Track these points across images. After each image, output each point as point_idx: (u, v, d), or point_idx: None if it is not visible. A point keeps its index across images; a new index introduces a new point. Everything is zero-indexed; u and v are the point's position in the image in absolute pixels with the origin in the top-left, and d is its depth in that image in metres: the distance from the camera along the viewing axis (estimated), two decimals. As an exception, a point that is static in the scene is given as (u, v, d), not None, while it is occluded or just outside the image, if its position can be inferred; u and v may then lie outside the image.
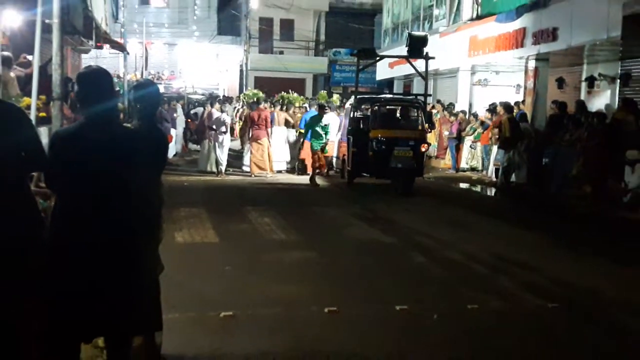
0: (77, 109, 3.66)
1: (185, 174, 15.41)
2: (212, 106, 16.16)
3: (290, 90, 21.05)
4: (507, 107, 14.81)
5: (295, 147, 16.56)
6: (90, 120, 3.35)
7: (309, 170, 15.71)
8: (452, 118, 17.95)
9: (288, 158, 16.67)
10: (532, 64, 15.37)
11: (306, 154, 15.66)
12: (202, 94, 31.28)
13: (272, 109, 17.49)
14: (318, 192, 13.72)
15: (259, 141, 15.36)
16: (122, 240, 3.31)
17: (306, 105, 19.20)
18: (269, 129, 15.48)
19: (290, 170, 16.45)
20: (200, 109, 19.50)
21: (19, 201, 3.38)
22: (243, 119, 19.25)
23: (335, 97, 20.09)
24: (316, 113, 16.05)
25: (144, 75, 32.74)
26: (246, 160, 16.08)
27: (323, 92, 22.25)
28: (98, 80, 3.41)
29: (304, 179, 15.33)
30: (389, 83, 27.50)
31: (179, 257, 6.72)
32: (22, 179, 3.56)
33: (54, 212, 3.41)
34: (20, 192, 3.43)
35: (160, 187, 4.10)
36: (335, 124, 16.23)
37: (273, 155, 16.11)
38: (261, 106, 16.20)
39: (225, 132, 15.29)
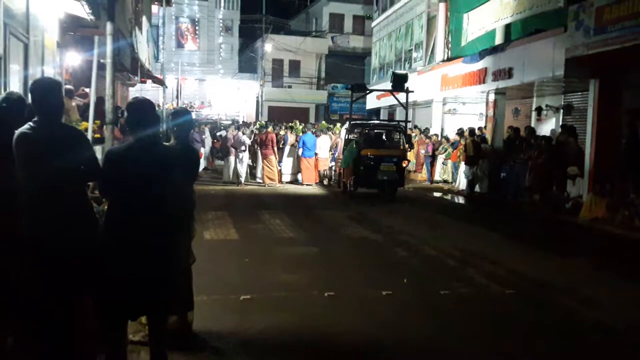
0: (126, 132, 3.65)
1: (212, 184, 15.41)
2: (239, 130, 16.24)
3: (296, 121, 21.05)
4: (471, 131, 14.85)
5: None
6: (139, 141, 3.34)
7: (305, 181, 15.76)
8: (427, 140, 17.97)
9: (295, 171, 16.67)
10: (492, 96, 15.41)
11: (304, 167, 15.77)
12: (226, 120, 31.28)
13: (286, 131, 17.53)
14: (319, 198, 13.73)
15: (267, 158, 15.45)
16: (163, 237, 3.31)
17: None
18: (275, 148, 15.55)
19: (293, 181, 16.46)
20: (224, 132, 19.47)
21: (80, 206, 3.39)
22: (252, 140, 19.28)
23: (338, 125, 20.08)
24: (312, 135, 16.18)
25: (179, 104, 32.78)
26: (259, 173, 16.11)
27: (324, 123, 22.21)
28: (145, 109, 3.42)
29: (308, 188, 15.35)
30: (376, 111, 27.54)
31: (207, 250, 6.72)
32: (82, 187, 3.57)
33: (107, 214, 3.40)
34: (80, 198, 3.44)
35: (193, 194, 4.11)
36: (327, 144, 16.36)
37: (283, 169, 16.16)
38: (268, 129, 16.25)
39: (244, 151, 15.31)
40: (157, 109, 3.72)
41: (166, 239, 3.31)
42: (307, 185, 15.81)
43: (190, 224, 4.07)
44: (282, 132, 17.42)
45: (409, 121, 16.57)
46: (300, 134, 18.11)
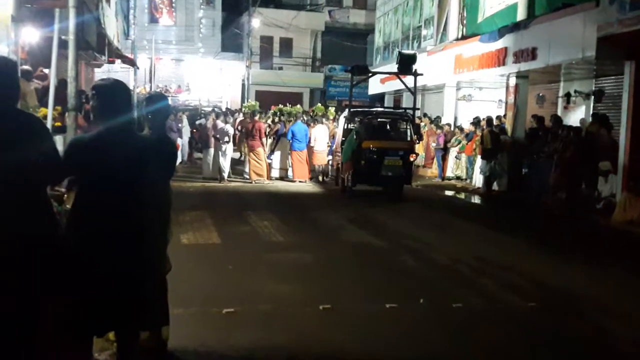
0: (91, 120, 3.61)
1: (190, 180, 15.39)
2: (217, 118, 16.18)
3: (288, 104, 21.05)
4: (489, 120, 14.88)
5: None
6: (108, 130, 3.32)
7: (296, 177, 15.77)
8: (439, 130, 18.00)
9: (285, 165, 16.67)
10: (513, 80, 15.44)
11: (295, 161, 15.77)
12: (208, 106, 31.26)
13: (282, 120, 17.53)
14: (314, 197, 13.73)
15: (254, 151, 15.41)
16: (134, 242, 3.30)
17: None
18: (263, 139, 15.50)
19: (283, 177, 16.47)
20: (203, 120, 19.47)
21: (36, 204, 3.37)
22: (239, 128, 19.25)
23: (332, 109, 20.06)
24: (302, 124, 16.14)
25: (153, 89, 32.70)
26: (246, 167, 16.10)
27: (320, 105, 22.23)
28: (116, 92, 3.39)
29: (301, 186, 15.36)
30: (380, 97, 27.58)
31: (184, 257, 6.72)
32: (40, 184, 3.54)
33: (70, 215, 3.39)
34: (37, 195, 3.41)
35: (170, 191, 4.10)
36: (324, 134, 16.33)
37: (272, 163, 16.16)
38: (256, 118, 16.22)
39: (228, 142, 15.30)
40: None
41: (138, 243, 3.31)
42: (299, 182, 15.83)
43: (165, 227, 4.06)
44: (277, 122, 17.40)
45: (418, 108, 16.62)
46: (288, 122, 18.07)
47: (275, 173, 16.46)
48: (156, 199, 3.57)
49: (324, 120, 17.61)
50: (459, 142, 16.96)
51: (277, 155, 16.60)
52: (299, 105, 21.37)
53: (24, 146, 3.26)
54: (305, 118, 17.70)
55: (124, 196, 3.27)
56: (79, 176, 3.32)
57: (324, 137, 16.31)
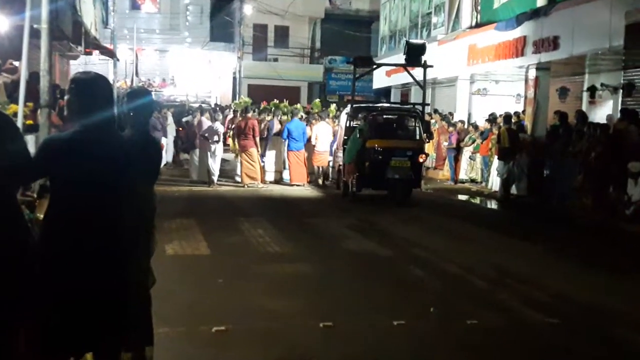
0: (66, 117, 3.60)
1: (176, 184, 15.40)
2: (202, 115, 16.18)
3: (285, 99, 21.05)
4: (506, 117, 14.89)
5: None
6: (86, 129, 3.29)
7: (293, 180, 15.78)
8: (451, 128, 18.02)
9: (282, 168, 16.67)
10: (532, 73, 15.45)
11: (292, 163, 15.80)
12: (196, 102, 31.29)
13: (272, 117, 17.50)
14: (313, 202, 13.74)
15: (247, 151, 15.40)
16: (115, 253, 3.29)
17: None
18: (257, 138, 15.49)
19: (278, 180, 16.48)
20: (190, 117, 19.49)
21: (5, 211, 3.36)
22: (231, 127, 19.27)
23: (333, 106, 20.09)
24: (299, 122, 16.14)
25: (135, 83, 32.73)
26: (238, 170, 16.11)
27: (317, 101, 22.25)
28: (96, 86, 3.38)
29: (299, 190, 15.36)
30: (386, 92, 27.59)
31: (170, 269, 6.71)
32: (8, 188, 3.53)
33: (44, 224, 3.38)
34: (6, 201, 3.40)
35: (154, 197, 4.11)
36: (327, 133, 16.31)
37: (266, 165, 16.16)
38: (249, 115, 16.22)
39: (217, 142, 15.31)
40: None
41: (119, 256, 3.31)
42: (296, 185, 15.84)
43: (149, 236, 4.06)
44: (268, 118, 17.37)
45: (428, 104, 16.62)
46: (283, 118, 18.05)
47: (270, 176, 16.47)
48: (139, 206, 3.57)
49: (326, 117, 17.50)
50: (473, 141, 16.98)
51: (271, 155, 16.59)
52: (299, 105, 21.27)
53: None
54: (303, 115, 17.68)
55: (102, 203, 3.26)
56: (52, 181, 3.31)
57: (326, 136, 16.29)
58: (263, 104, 20.62)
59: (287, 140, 15.92)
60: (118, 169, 3.31)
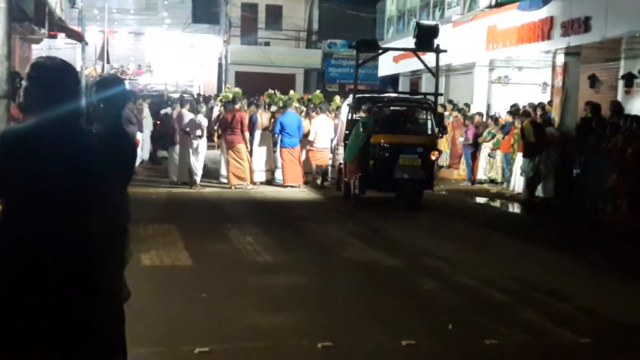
0: (28, 109, 3.58)
1: (154, 185, 15.39)
2: (182, 107, 16.19)
3: (275, 91, 21.02)
4: (529, 109, 14.89)
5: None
6: (47, 122, 3.24)
7: (287, 181, 15.78)
8: (467, 121, 18.03)
9: (272, 166, 16.65)
10: (560, 58, 15.46)
11: (287, 161, 15.85)
12: (176, 92, 31.32)
13: (255, 109, 17.51)
14: (309, 206, 13.74)
15: (234, 148, 15.39)
16: (82, 266, 3.28)
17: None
18: (246, 133, 15.49)
19: (270, 181, 16.49)
20: (169, 110, 19.50)
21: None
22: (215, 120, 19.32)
23: (337, 99, 20.10)
24: (294, 114, 16.13)
25: (106, 70, 32.71)
26: (223, 169, 16.10)
27: (318, 92, 22.22)
28: (59, 74, 3.35)
29: (293, 192, 15.36)
30: (393, 80, 27.58)
31: (146, 282, 6.72)
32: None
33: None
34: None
35: (127, 200, 4.11)
36: (328, 128, 16.30)
37: (254, 164, 16.16)
38: (236, 106, 16.22)
39: (200, 137, 15.31)
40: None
41: (87, 267, 3.29)
42: (290, 187, 15.86)
43: (122, 245, 4.06)
44: (254, 110, 17.40)
45: (441, 94, 16.61)
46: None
47: (261, 176, 16.47)
48: (109, 212, 3.57)
49: (327, 109, 17.45)
50: (493, 136, 17.00)
51: (260, 152, 16.57)
52: (292, 92, 21.21)
53: None
54: (298, 106, 17.70)
55: (65, 211, 3.20)
56: (4, 184, 3.25)
57: (327, 131, 16.25)
58: (262, 99, 20.56)
59: (279, 135, 15.91)
60: (83, 169, 3.27)
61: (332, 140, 16.21)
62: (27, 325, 3.22)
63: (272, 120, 16.80)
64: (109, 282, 3.63)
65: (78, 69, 26.92)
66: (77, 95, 3.37)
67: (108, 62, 34.26)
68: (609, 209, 12.57)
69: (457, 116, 19.03)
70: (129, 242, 4.18)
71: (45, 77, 3.30)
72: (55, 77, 3.30)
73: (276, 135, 16.09)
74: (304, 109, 18.45)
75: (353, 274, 8.04)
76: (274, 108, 18.26)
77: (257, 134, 16.60)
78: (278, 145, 16.12)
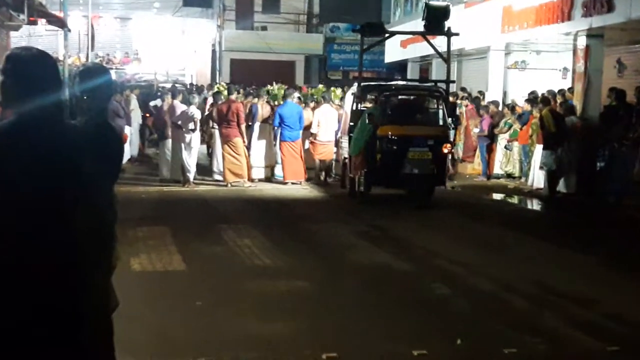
0: (6, 105, 3.57)
1: (143, 183, 15.40)
2: (174, 98, 16.16)
3: (274, 82, 20.97)
4: (549, 97, 14.84)
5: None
6: (27, 118, 3.26)
7: (288, 177, 15.77)
8: (482, 111, 18.01)
9: (273, 162, 16.63)
10: (582, 41, 15.42)
11: (287, 156, 15.84)
12: (167, 81, 31.27)
13: (255, 99, 17.48)
14: (312, 204, 13.74)
15: (230, 142, 15.37)
16: (66, 272, 3.27)
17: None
18: (242, 125, 15.45)
19: (269, 178, 16.48)
20: (159, 101, 19.49)
21: None
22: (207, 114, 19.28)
23: (338, 91, 20.04)
24: (294, 105, 16.09)
25: (91, 58, 32.70)
26: (218, 166, 16.08)
27: (321, 87, 22.12)
28: (38, 66, 3.36)
29: (294, 189, 15.36)
30: (401, 67, 27.57)
31: (136, 288, 6.72)
32: None
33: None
34: None
35: (114, 200, 4.10)
36: (332, 119, 16.25)
37: (252, 159, 16.14)
38: (232, 96, 16.21)
39: (193, 130, 15.30)
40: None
41: (71, 274, 3.29)
42: (292, 184, 15.86)
43: (109, 249, 4.06)
44: (255, 101, 17.35)
45: (453, 81, 16.59)
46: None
47: (259, 172, 16.46)
48: (95, 212, 3.56)
49: (330, 99, 17.38)
50: (510, 127, 16.97)
51: (259, 146, 16.54)
52: (276, 86, 21.06)
53: None
54: (298, 96, 17.64)
55: (48, 211, 3.21)
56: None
57: (331, 123, 16.20)
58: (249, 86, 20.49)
59: (279, 128, 15.89)
60: (66, 167, 3.27)
61: (336, 133, 16.18)
62: (7, 332, 3.22)
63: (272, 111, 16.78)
64: (96, 289, 3.63)
65: (60, 58, 26.94)
66: (58, 86, 3.37)
67: (93, 49, 34.27)
68: (635, 206, 12.54)
69: (470, 105, 18.97)
70: (116, 245, 4.18)
71: (22, 69, 3.30)
72: (33, 69, 3.31)
73: (275, 128, 16.07)
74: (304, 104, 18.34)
75: (359, 278, 8.03)
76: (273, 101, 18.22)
77: (256, 126, 16.55)
78: (277, 138, 16.12)
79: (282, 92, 18.65)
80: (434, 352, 5.68)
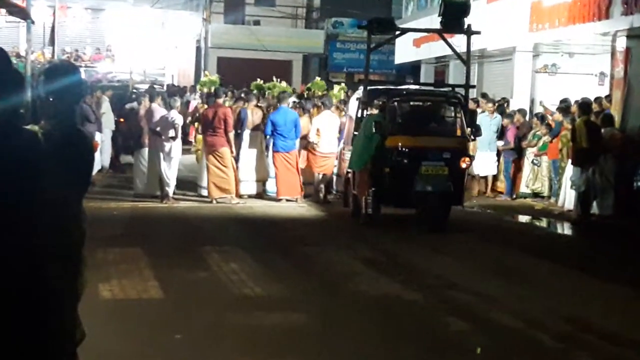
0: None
1: (115, 198, 15.41)
2: (152, 101, 16.18)
3: (274, 78, 21.04)
4: (584, 105, 14.87)
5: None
6: None
7: (282, 193, 15.77)
8: (506, 120, 18.03)
9: (264, 176, 16.63)
10: (621, 42, 15.46)
11: (281, 168, 15.86)
12: (144, 82, 31.33)
13: (244, 104, 17.51)
14: (309, 225, 13.72)
15: (216, 152, 15.36)
16: (24, 299, 3.27)
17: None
18: (231, 133, 15.42)
19: (261, 194, 16.48)
20: (135, 104, 19.51)
21: None
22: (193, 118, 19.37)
23: (340, 90, 20.02)
24: (289, 111, 16.10)
25: (57, 55, 32.76)
26: (202, 180, 16.08)
27: (318, 80, 22.17)
28: None
29: (289, 207, 15.35)
30: (413, 69, 27.64)
31: (105, 319, 6.73)
32: None
33: None
34: None
35: (82, 217, 4.10)
36: (333, 127, 16.25)
37: (242, 172, 16.13)
38: (219, 101, 16.20)
39: (174, 138, 15.29)
40: (15, 62, 3.70)
41: (31, 301, 3.29)
42: (286, 201, 15.86)
43: (74, 274, 4.06)
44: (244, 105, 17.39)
45: (473, 86, 16.63)
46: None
47: (249, 187, 16.44)
48: (58, 231, 3.56)
49: (331, 105, 17.38)
50: (539, 139, 16.98)
51: (248, 157, 16.51)
52: (283, 84, 21.17)
53: None
54: (293, 100, 17.68)
55: (3, 230, 3.22)
56: None
57: (333, 132, 16.17)
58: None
59: (271, 137, 15.86)
60: (25, 180, 3.27)
61: (338, 143, 16.17)
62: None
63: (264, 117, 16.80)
64: (59, 319, 3.63)
65: (22, 53, 27.01)
66: (14, 86, 3.37)
67: (59, 45, 34.33)
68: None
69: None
70: (82, 270, 4.17)
71: None
72: None
73: (267, 137, 16.06)
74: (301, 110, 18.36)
75: (364, 311, 8.03)
76: (263, 102, 18.25)
77: (246, 134, 16.50)
78: (270, 149, 16.13)
79: (283, 90, 18.63)
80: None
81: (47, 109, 4.08)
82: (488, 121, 17.15)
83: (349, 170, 14.43)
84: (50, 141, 3.81)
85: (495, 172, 18.00)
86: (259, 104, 17.97)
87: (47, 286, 3.39)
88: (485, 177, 18.04)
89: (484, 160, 17.38)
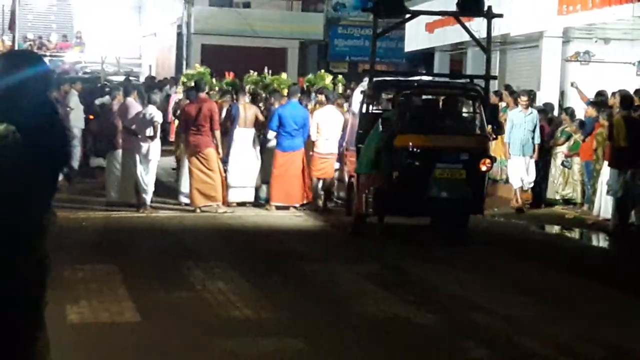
0: None
1: (85, 206, 15.42)
2: (127, 95, 16.15)
3: (266, 68, 21.05)
4: (624, 99, 14.87)
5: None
6: None
7: (277, 200, 15.76)
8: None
9: (257, 182, 16.62)
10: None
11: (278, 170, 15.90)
12: (116, 73, 31.34)
13: (232, 99, 17.53)
14: (308, 237, 13.73)
15: (200, 153, 15.33)
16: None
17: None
18: (217, 132, 15.37)
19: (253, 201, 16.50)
20: (108, 98, 19.52)
21: None
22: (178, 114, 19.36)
23: (338, 82, 20.03)
24: (298, 106, 16.06)
25: (17, 42, 32.80)
26: (184, 185, 16.05)
27: (323, 73, 22.14)
28: None
29: (285, 216, 15.36)
30: (426, 57, 27.65)
31: (73, 345, 6.72)
32: None
33: None
34: None
35: (46, 229, 4.11)
36: (335, 125, 16.22)
37: (231, 177, 16.12)
38: (202, 95, 16.10)
39: (152, 138, 15.27)
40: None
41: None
42: (277, 208, 15.87)
43: (37, 293, 4.07)
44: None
45: (494, 77, 16.63)
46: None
47: (239, 194, 16.43)
48: (20, 246, 3.58)
49: (334, 99, 17.34)
50: (569, 137, 16.98)
51: (238, 159, 16.46)
52: (284, 75, 21.17)
53: None
54: (301, 96, 17.64)
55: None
56: None
57: (335, 130, 16.11)
58: (229, 76, 20.52)
59: (276, 133, 15.89)
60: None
61: (340, 143, 16.11)
62: None
63: (264, 113, 16.81)
64: (20, 345, 3.65)
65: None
66: None
67: (20, 31, 34.36)
68: None
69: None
70: (46, 288, 4.17)
71: None
72: None
73: (271, 133, 15.94)
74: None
75: (370, 335, 8.04)
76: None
77: (237, 133, 16.44)
78: (266, 148, 16.14)
79: (287, 85, 18.57)
80: None
81: (6, 106, 4.03)
82: (522, 117, 16.50)
83: (354, 174, 14.33)
84: (9, 143, 3.82)
85: (532, 180, 16.89)
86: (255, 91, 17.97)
87: (8, 306, 3.42)
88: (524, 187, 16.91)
89: (518, 167, 16.54)
